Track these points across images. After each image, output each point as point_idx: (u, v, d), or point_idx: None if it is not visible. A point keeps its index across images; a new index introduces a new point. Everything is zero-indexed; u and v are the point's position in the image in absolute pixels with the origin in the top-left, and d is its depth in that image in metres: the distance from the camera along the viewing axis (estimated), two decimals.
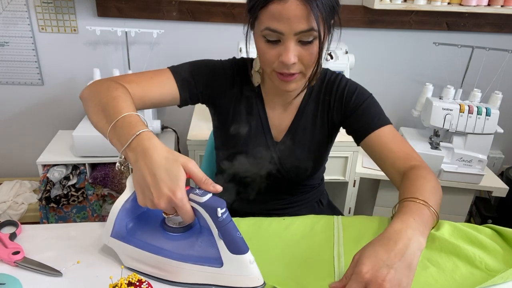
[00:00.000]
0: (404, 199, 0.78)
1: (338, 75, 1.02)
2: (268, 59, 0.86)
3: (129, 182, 0.70)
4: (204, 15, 1.92)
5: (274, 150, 1.03)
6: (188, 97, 0.98)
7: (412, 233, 0.68)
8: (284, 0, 0.77)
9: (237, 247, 0.65)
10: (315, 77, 0.94)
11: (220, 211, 0.63)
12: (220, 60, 1.04)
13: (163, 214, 0.71)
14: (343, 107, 1.00)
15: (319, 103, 1.03)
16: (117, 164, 0.70)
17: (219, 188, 0.66)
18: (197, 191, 0.65)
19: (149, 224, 0.74)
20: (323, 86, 1.02)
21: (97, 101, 0.79)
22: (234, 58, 1.05)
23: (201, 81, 0.99)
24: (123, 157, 0.69)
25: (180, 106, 1.00)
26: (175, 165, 0.63)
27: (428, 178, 0.84)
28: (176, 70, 0.97)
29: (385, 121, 0.97)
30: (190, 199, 0.64)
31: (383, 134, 0.95)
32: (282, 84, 0.89)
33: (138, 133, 0.67)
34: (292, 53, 0.82)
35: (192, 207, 0.65)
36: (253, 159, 1.02)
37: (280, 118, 1.03)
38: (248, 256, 0.65)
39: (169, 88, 0.94)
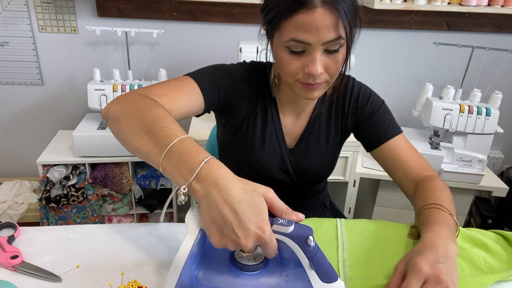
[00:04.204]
0: (427, 207, 0.81)
1: (349, 78, 1.01)
2: (292, 70, 0.82)
3: (193, 220, 0.60)
4: (204, 15, 1.92)
5: (287, 157, 1.01)
6: (210, 106, 0.91)
7: (446, 242, 0.70)
8: (312, 10, 0.73)
9: (329, 275, 0.59)
10: (341, 85, 0.93)
11: (311, 239, 0.57)
12: (233, 64, 0.99)
13: (240, 252, 0.62)
14: (357, 113, 1.00)
15: (332, 108, 1.01)
16: (182, 197, 0.58)
17: (301, 216, 0.59)
18: (281, 221, 0.58)
19: (217, 265, 0.63)
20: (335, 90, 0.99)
21: (137, 121, 0.67)
22: (244, 61, 1.01)
23: (223, 87, 0.93)
24: (186, 189, 0.58)
25: (198, 116, 0.92)
26: (256, 197, 0.55)
27: (444, 188, 0.87)
28: (198, 78, 0.88)
29: (398, 130, 0.99)
30: (274, 231, 0.57)
31: (396, 144, 0.97)
32: (306, 92, 0.85)
33: (205, 160, 0.57)
34: (319, 64, 0.78)
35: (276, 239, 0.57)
36: (265, 166, 1.00)
37: (293, 125, 1.01)
38: (340, 283, 0.59)
39: (196, 97, 0.86)
